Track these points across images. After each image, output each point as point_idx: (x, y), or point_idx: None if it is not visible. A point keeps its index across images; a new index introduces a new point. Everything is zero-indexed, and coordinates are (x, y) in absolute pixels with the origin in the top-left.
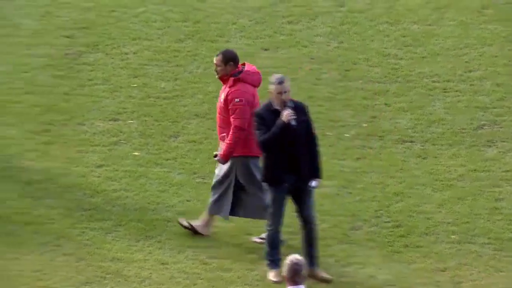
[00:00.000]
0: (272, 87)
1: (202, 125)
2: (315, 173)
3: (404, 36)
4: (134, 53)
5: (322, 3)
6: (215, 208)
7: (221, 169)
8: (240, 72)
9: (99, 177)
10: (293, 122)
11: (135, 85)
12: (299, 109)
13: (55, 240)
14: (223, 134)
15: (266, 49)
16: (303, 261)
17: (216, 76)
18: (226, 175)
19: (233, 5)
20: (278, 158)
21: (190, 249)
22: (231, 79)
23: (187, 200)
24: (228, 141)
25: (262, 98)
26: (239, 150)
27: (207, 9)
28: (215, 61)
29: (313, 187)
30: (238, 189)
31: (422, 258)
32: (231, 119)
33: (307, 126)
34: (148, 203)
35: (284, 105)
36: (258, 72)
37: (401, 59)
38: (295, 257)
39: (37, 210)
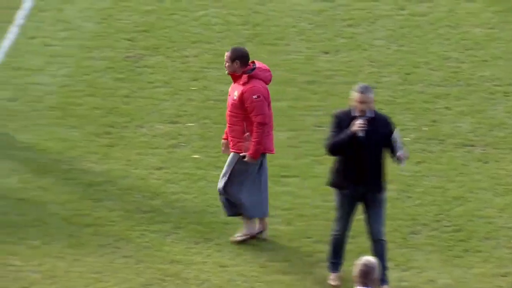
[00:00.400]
0: (353, 95)
1: None
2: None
3: (465, 40)
4: (194, 56)
5: (383, 6)
6: (255, 210)
7: (230, 169)
8: (253, 69)
9: (158, 179)
10: (361, 134)
11: (195, 88)
12: (381, 122)
13: (114, 242)
14: (233, 132)
15: (326, 52)
16: (375, 263)
17: (226, 72)
18: (252, 172)
19: (293, 8)
20: (344, 164)
21: (249, 252)
22: (244, 76)
23: None
24: (254, 139)
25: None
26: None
27: (267, 12)
28: (225, 58)
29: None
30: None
31: (482, 263)
32: (252, 116)
33: (383, 139)
34: (207, 205)
35: (361, 114)
36: (269, 69)
37: (462, 62)
38: (366, 258)
39: (97, 212)
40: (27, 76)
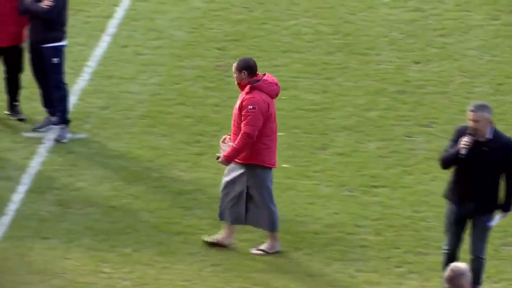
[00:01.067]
0: (467, 112)
1: (350, 138)
2: (497, 207)
3: None
4: (284, 65)
5: (475, 16)
6: (230, 215)
7: (231, 176)
8: (258, 80)
9: None
10: (463, 152)
11: (284, 98)
12: (498, 144)
13: (204, 250)
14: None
15: (417, 62)
16: (463, 270)
17: (236, 82)
18: (234, 182)
19: (385, 18)
20: (456, 179)
21: (338, 262)
22: (248, 86)
23: (335, 213)
24: (235, 145)
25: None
26: (253, 158)
27: (358, 22)
28: (233, 69)
29: (488, 224)
30: (248, 197)
31: None
32: (242, 125)
33: (498, 162)
34: (296, 215)
35: (472, 133)
36: (276, 83)
37: None
38: (455, 264)
39: (187, 220)
40: (119, 84)
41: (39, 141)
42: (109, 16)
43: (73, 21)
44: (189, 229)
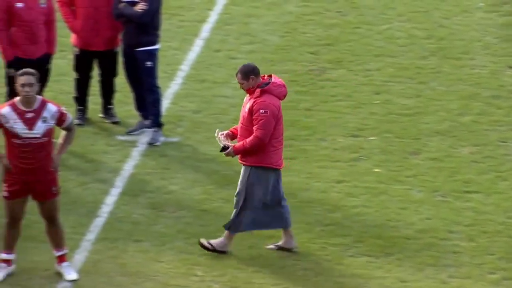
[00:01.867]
0: None
1: (443, 143)
2: None
3: None
4: (377, 69)
5: None
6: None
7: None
8: (267, 83)
9: (339, 193)
10: None
11: (377, 102)
12: None
13: (294, 254)
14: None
15: (511, 67)
16: None
17: (244, 90)
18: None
19: (479, 22)
20: None
21: (431, 268)
22: (258, 90)
23: (427, 218)
24: (246, 144)
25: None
26: (263, 160)
27: (452, 26)
28: (237, 80)
29: None
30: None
31: None
32: (254, 129)
33: None
34: (388, 220)
35: None
36: (284, 85)
37: None
38: None
39: None
40: (212, 88)
41: (132, 144)
42: (203, 20)
43: (167, 25)
44: (280, 233)
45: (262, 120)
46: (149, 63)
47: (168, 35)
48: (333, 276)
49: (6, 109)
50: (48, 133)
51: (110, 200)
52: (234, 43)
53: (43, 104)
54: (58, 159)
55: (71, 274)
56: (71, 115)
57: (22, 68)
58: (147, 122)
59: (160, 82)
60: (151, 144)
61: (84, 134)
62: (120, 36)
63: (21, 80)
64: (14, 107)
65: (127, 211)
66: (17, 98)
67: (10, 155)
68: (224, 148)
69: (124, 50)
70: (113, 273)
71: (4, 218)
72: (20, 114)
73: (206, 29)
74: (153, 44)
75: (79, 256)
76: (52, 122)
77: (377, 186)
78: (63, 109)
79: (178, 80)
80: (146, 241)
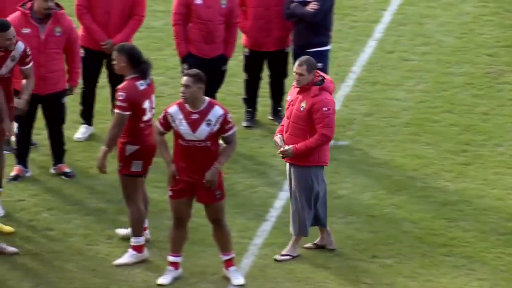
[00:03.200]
0: None
1: None
2: None
3: None
4: None
5: None
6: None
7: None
8: (322, 80)
9: None
10: None
11: None
12: None
13: (469, 264)
14: (293, 143)
15: None
16: None
17: (296, 86)
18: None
19: None
20: None
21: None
22: (315, 88)
23: None
24: (310, 144)
25: None
26: (319, 159)
27: None
28: (298, 71)
29: None
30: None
31: None
32: (319, 127)
33: None
34: None
35: None
36: (332, 81)
37: None
38: None
39: (451, 232)
40: (384, 91)
41: None
42: (376, 21)
43: (339, 25)
44: (453, 242)
45: (328, 118)
46: (320, 64)
47: (339, 36)
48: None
49: (173, 108)
50: (212, 137)
51: (279, 204)
52: (408, 44)
53: (210, 106)
54: (214, 172)
55: (238, 279)
56: (235, 128)
57: (194, 65)
58: None
59: None
60: None
61: (253, 137)
62: (290, 36)
63: (181, 79)
64: (181, 107)
65: None
66: None
67: (176, 155)
68: (285, 150)
69: (295, 51)
70: (280, 278)
71: (171, 220)
72: (186, 114)
73: (379, 30)
74: (325, 44)
75: (247, 261)
76: (216, 126)
77: None
78: (230, 116)
79: (349, 82)
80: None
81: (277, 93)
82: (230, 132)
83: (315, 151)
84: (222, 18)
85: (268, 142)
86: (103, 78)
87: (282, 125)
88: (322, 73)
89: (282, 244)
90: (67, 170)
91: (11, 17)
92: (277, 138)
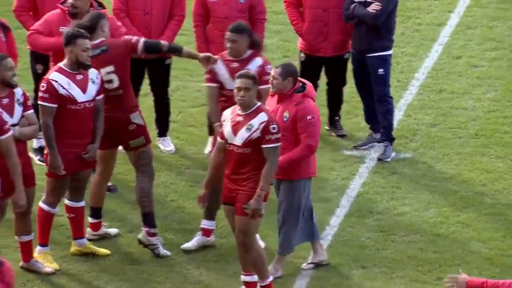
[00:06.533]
0: None
1: None
2: None
3: None
4: None
5: None
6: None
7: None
8: (303, 87)
9: None
10: None
11: None
12: None
13: None
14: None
15: None
16: None
17: (272, 90)
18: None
19: None
20: None
21: None
22: (297, 95)
23: None
24: (294, 156)
25: None
26: (306, 172)
27: None
28: (273, 73)
29: None
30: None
31: None
32: (303, 137)
33: None
34: None
35: None
36: (312, 86)
37: None
38: None
39: None
40: (450, 99)
41: (360, 160)
42: (442, 24)
43: (402, 28)
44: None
45: (312, 127)
46: (381, 70)
47: (402, 40)
48: None
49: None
50: (251, 144)
51: (335, 221)
52: (477, 49)
53: (257, 111)
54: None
55: None
56: (276, 143)
57: None
58: (377, 135)
59: (392, 91)
60: (381, 160)
61: None
62: (350, 41)
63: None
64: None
65: (353, 234)
66: None
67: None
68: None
69: (354, 56)
70: None
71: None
72: (233, 115)
73: (445, 33)
74: (387, 49)
75: (301, 282)
76: (257, 133)
77: None
78: (274, 126)
79: (413, 90)
80: (373, 267)
81: (335, 102)
82: (270, 145)
83: (302, 163)
84: (241, 15)
85: (324, 154)
86: (146, 85)
87: None
88: (302, 79)
89: (339, 265)
90: (109, 184)
91: (50, 14)
92: None
